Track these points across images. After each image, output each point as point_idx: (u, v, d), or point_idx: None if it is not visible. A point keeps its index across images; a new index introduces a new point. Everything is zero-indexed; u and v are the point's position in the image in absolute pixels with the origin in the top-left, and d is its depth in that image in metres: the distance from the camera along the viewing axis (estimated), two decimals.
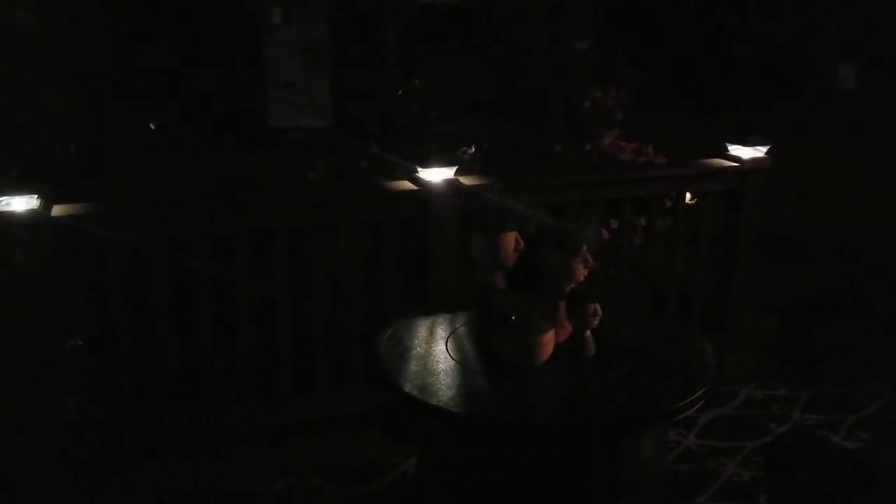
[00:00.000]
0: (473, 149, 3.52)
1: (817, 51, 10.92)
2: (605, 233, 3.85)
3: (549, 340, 2.35)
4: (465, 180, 3.11)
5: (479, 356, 2.45)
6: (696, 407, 2.28)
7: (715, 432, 3.33)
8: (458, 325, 2.61)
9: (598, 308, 2.41)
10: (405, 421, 3.05)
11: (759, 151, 3.64)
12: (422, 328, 2.62)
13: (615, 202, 3.57)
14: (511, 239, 2.46)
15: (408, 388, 2.25)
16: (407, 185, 3.11)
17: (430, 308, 2.77)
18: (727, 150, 3.66)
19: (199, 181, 4.43)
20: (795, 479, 2.02)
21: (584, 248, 2.46)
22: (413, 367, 2.37)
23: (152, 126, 5.30)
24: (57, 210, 2.70)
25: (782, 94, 10.12)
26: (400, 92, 5.05)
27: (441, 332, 2.58)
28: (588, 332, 2.42)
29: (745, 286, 3.82)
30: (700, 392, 2.30)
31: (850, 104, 10.10)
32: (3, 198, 2.57)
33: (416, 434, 2.66)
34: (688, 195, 3.81)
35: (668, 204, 3.86)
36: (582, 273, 2.46)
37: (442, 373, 2.34)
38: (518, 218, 2.51)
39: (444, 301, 2.93)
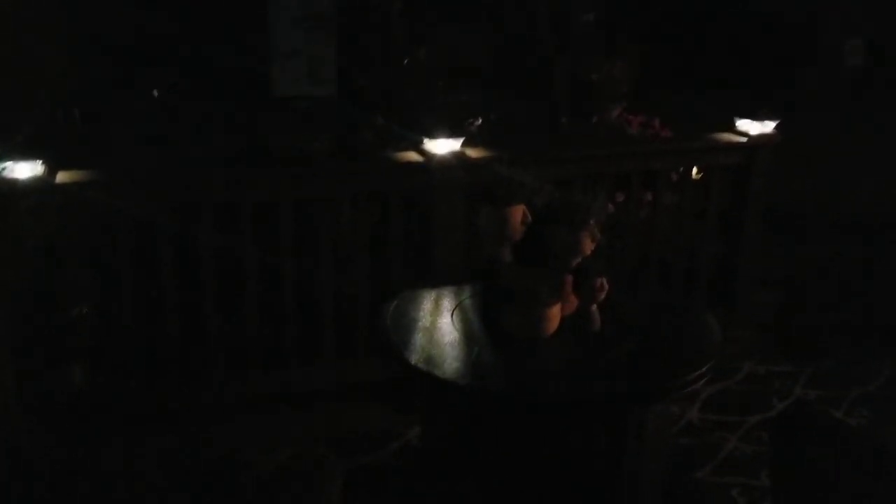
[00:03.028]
0: (480, 121, 3.50)
1: (825, 25, 10.79)
2: (610, 206, 3.83)
3: (555, 314, 2.35)
4: (471, 152, 3.09)
5: (485, 329, 2.45)
6: (701, 383, 2.29)
7: (717, 406, 3.34)
8: (463, 298, 2.61)
9: (605, 282, 2.40)
10: (410, 391, 3.06)
11: (767, 126, 3.62)
12: (427, 300, 2.61)
13: (622, 176, 3.55)
14: (518, 212, 2.45)
15: (413, 359, 2.25)
16: (413, 156, 3.09)
17: (436, 280, 2.77)
18: (734, 125, 3.63)
19: (204, 150, 4.40)
20: (800, 456, 2.02)
21: (592, 222, 2.44)
22: (418, 338, 2.37)
23: (155, 93, 5.24)
24: (62, 177, 2.68)
25: (789, 69, 10.01)
26: (405, 61, 4.99)
27: (447, 304, 2.58)
28: (594, 307, 2.42)
29: (751, 262, 3.82)
30: (704, 368, 2.30)
31: (858, 79, 9.99)
32: (8, 163, 2.56)
33: (420, 405, 2.67)
34: (694, 170, 3.79)
35: (675, 178, 3.83)
36: (589, 247, 2.45)
37: (447, 345, 2.34)
38: (526, 192, 2.50)
39: (451, 273, 2.92)
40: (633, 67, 6.38)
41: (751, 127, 3.60)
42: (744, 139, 3.59)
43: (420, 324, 2.46)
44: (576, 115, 4.66)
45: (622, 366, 2.32)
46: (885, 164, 6.30)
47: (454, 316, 2.50)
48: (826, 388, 3.49)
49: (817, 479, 2.02)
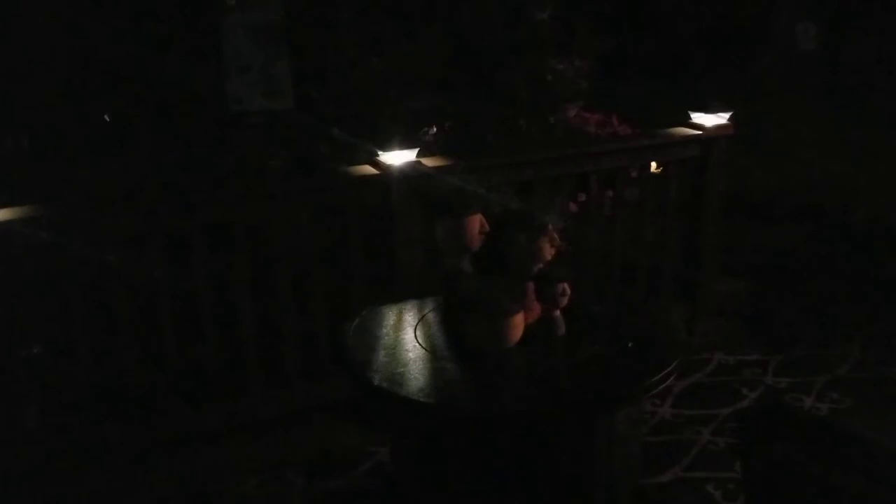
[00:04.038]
0: (435, 129, 3.46)
1: (776, 11, 10.93)
2: (573, 206, 3.83)
3: (517, 323, 2.32)
4: (427, 162, 3.05)
5: (449, 343, 2.41)
6: (667, 383, 2.27)
7: (689, 401, 3.34)
8: (426, 312, 2.57)
9: (567, 287, 2.38)
10: (378, 409, 3.02)
11: (721, 118, 3.63)
12: (390, 316, 2.57)
13: (582, 176, 3.54)
14: (475, 222, 2.42)
15: (376, 379, 2.21)
16: (368, 169, 3.04)
17: (398, 295, 2.72)
18: (690, 118, 3.64)
19: (158, 174, 4.31)
20: (770, 450, 2.02)
21: (550, 227, 2.42)
22: (381, 356, 2.33)
23: (107, 118, 5.14)
24: (4, 214, 2.59)
25: (744, 57, 10.12)
26: (358, 71, 4.95)
27: (409, 319, 2.54)
28: (558, 312, 2.40)
29: (713, 253, 3.83)
30: (670, 367, 2.29)
31: (809, 64, 10.13)
32: None
33: (389, 423, 2.62)
34: (654, 165, 3.79)
35: (634, 174, 3.83)
36: (549, 253, 2.42)
37: (411, 362, 2.30)
38: (481, 200, 2.47)
39: (413, 287, 2.88)
40: (591, 64, 6.40)
41: (705, 119, 3.61)
42: (699, 132, 3.60)
43: (382, 341, 2.42)
44: (533, 116, 4.65)
45: (589, 372, 2.29)
46: (841, 148, 6.40)
47: (417, 331, 2.46)
48: (795, 375, 3.51)
49: (788, 471, 2.01)
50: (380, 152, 3.08)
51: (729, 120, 3.64)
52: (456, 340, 2.39)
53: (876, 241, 4.77)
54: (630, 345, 2.43)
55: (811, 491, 1.97)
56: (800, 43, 11.17)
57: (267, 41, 7.39)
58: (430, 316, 2.55)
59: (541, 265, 2.41)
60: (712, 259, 3.83)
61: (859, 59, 9.34)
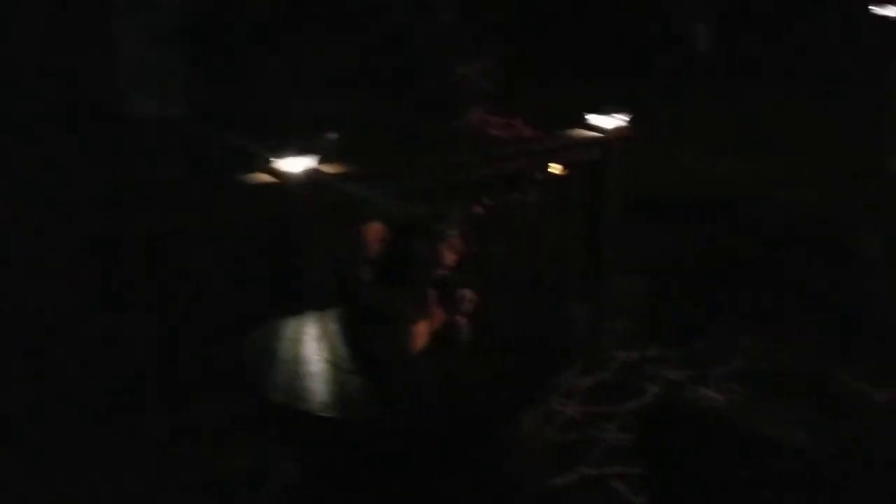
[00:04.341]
0: (335, 134, 3.41)
1: (674, 13, 11.32)
2: (480, 209, 3.84)
3: (420, 331, 2.31)
4: (327, 168, 3.00)
5: (351, 354, 2.37)
6: (567, 385, 2.30)
7: (595, 398, 3.40)
8: (328, 323, 2.52)
9: (470, 293, 2.38)
10: (280, 425, 2.95)
11: (620, 120, 3.71)
12: (291, 329, 2.51)
13: (485, 179, 3.56)
14: (374, 230, 2.39)
15: (275, 395, 2.15)
16: (265, 177, 2.96)
17: (300, 307, 2.66)
18: (589, 121, 3.71)
19: (47, 185, 4.10)
20: (668, 446, 2.07)
21: (451, 232, 2.42)
22: (282, 371, 2.27)
23: None
24: None
25: (645, 57, 10.43)
26: (260, 74, 4.84)
27: (311, 331, 2.49)
28: (461, 318, 2.39)
29: (616, 252, 3.92)
30: (570, 369, 2.32)
31: (708, 61, 10.53)
32: None
33: (292, 438, 2.56)
34: (558, 167, 3.85)
35: (539, 177, 3.88)
36: (451, 258, 2.42)
37: (312, 376, 2.25)
38: (380, 207, 2.44)
39: (315, 298, 2.82)
40: (498, 67, 6.47)
41: (604, 122, 3.69)
42: (599, 134, 3.67)
43: (283, 355, 2.36)
44: (437, 120, 4.65)
45: (493, 377, 2.30)
46: (737, 145, 6.67)
47: (319, 343, 2.41)
48: (694, 368, 3.62)
49: (685, 465, 2.07)
50: (277, 159, 3.01)
51: (628, 122, 3.73)
52: (358, 351, 2.35)
53: (771, 234, 4.98)
54: (532, 347, 2.45)
55: (708, 484, 2.04)
56: (698, 42, 11.61)
57: (163, 43, 7.16)
58: (333, 328, 2.50)
59: (443, 271, 2.40)
60: (614, 258, 3.92)
61: (753, 58, 9.77)
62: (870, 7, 4.56)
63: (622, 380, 3.56)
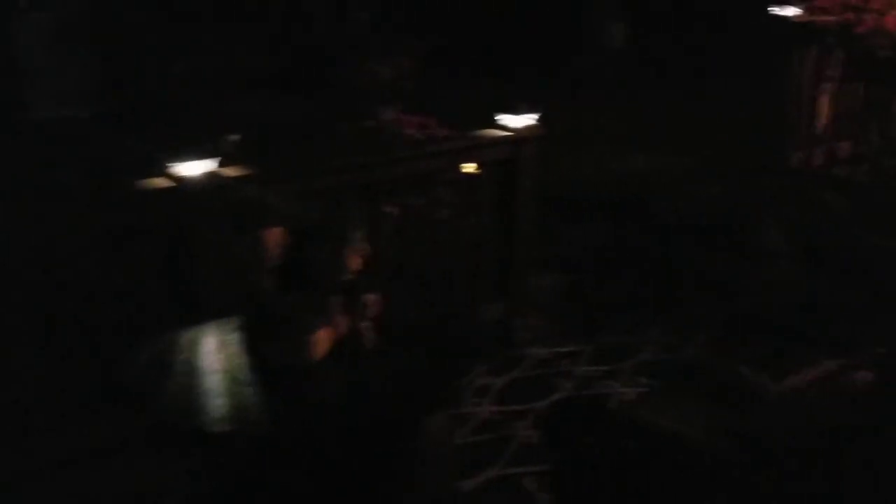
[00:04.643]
0: (237, 136, 3.31)
1: (587, 11, 11.51)
2: (394, 210, 3.79)
3: (323, 338, 2.26)
4: (229, 172, 2.91)
5: (251, 365, 2.30)
6: (473, 386, 2.30)
7: (508, 397, 3.40)
8: (228, 334, 2.44)
9: (374, 298, 2.35)
10: (176, 442, 2.84)
11: (530, 119, 3.73)
12: (188, 340, 2.41)
13: (396, 181, 3.52)
14: (274, 235, 2.32)
15: (170, 411, 2.07)
16: (162, 182, 2.85)
17: (198, 317, 2.57)
18: (499, 120, 3.72)
19: None
20: (572, 443, 2.08)
21: (355, 236, 2.38)
22: (177, 386, 2.19)
23: None
24: None
25: (561, 55, 10.57)
26: (167, 74, 4.68)
27: (210, 343, 2.39)
28: (366, 324, 2.36)
29: (529, 250, 3.93)
30: (479, 369, 2.32)
31: (619, 61, 10.74)
32: None
33: (190, 455, 2.47)
34: (472, 166, 3.85)
35: (451, 176, 3.87)
36: (356, 263, 2.38)
37: (208, 390, 2.17)
38: (280, 212, 2.38)
39: (214, 307, 2.73)
40: (416, 66, 6.42)
41: (514, 121, 3.70)
42: (509, 133, 3.68)
43: (179, 368, 2.27)
44: (351, 119, 4.58)
45: (396, 382, 2.28)
46: (649, 142, 6.81)
47: (218, 355, 2.33)
48: (607, 363, 3.67)
49: (588, 461, 2.09)
50: (176, 163, 2.90)
51: (538, 121, 3.75)
52: (258, 362, 2.28)
53: (680, 230, 5.08)
54: (438, 351, 2.44)
55: (611, 479, 2.05)
56: (609, 42, 11.83)
57: (66, 44, 6.85)
58: (232, 338, 2.42)
59: (347, 277, 2.36)
60: (527, 256, 3.94)
61: (664, 56, 10.01)
62: (769, 8, 4.73)
63: (536, 377, 3.59)
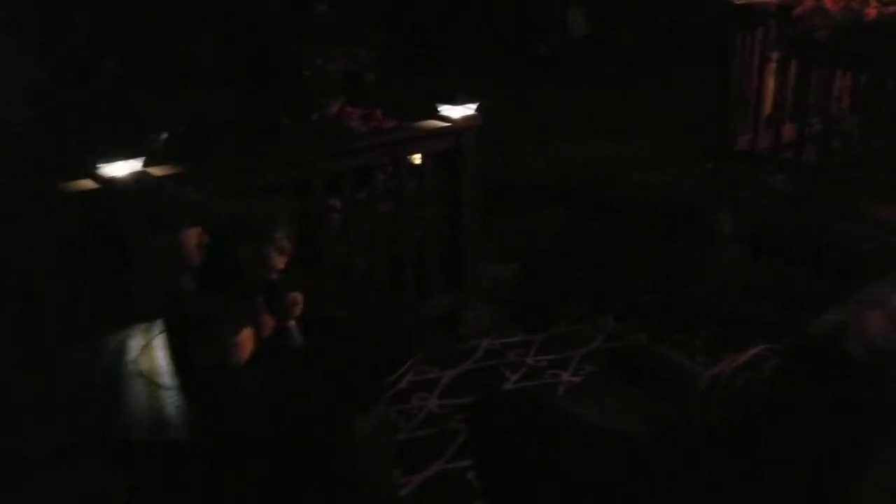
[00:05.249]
0: (165, 134, 3.23)
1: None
2: (336, 204, 3.74)
3: (246, 340, 2.21)
4: (155, 171, 2.84)
5: (175, 368, 2.25)
6: (424, 375, 2.25)
7: (456, 390, 3.38)
8: (152, 337, 2.38)
9: (299, 297, 2.29)
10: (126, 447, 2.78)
11: (469, 109, 3.69)
12: (111, 345, 2.35)
13: (336, 175, 3.47)
14: (192, 235, 2.27)
15: (88, 419, 2.02)
16: (88, 183, 2.78)
17: (125, 320, 2.51)
18: (439, 111, 3.68)
19: None
20: (494, 436, 2.05)
21: (280, 233, 2.32)
22: (98, 393, 2.14)
23: None
24: None
25: (524, 43, 10.55)
26: (104, 75, 4.57)
27: (134, 346, 2.34)
28: (292, 323, 2.31)
29: (477, 240, 3.90)
30: (423, 363, 2.28)
31: (580, 49, 10.74)
32: None
33: (118, 464, 2.41)
34: (416, 157, 3.80)
35: (396, 168, 3.82)
36: (279, 262, 2.33)
37: (130, 396, 2.12)
38: (199, 210, 2.32)
39: (139, 312, 2.67)
40: (375, 56, 6.33)
41: (454, 111, 3.66)
42: (448, 124, 3.64)
43: (100, 374, 2.22)
44: (296, 113, 4.52)
45: (326, 381, 2.23)
46: (606, 129, 6.82)
47: (141, 359, 2.27)
48: (555, 353, 3.66)
49: (511, 454, 2.06)
50: (104, 163, 2.83)
51: (476, 111, 3.71)
52: (183, 365, 2.23)
53: (632, 217, 5.09)
54: (372, 347, 2.40)
55: (534, 471, 2.03)
56: (572, 29, 11.83)
57: (11, 40, 6.68)
58: (157, 342, 2.36)
59: (272, 274, 2.31)
60: (475, 247, 3.91)
61: (625, 43, 10.02)
62: None
63: (484, 369, 3.57)
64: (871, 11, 3.77)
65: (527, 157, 6.14)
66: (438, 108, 3.66)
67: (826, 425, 1.46)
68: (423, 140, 3.66)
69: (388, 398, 3.10)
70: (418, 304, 3.65)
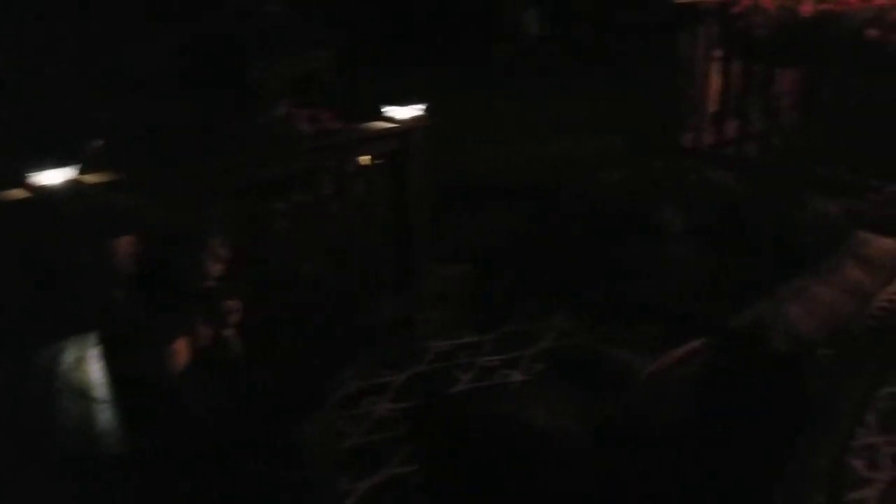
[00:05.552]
0: (101, 141, 3.16)
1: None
2: (282, 208, 3.70)
3: (182, 349, 2.18)
4: (89, 179, 2.77)
5: (110, 381, 2.20)
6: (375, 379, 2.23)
7: (406, 394, 3.36)
8: (88, 349, 2.32)
9: (236, 304, 2.26)
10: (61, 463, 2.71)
11: (417, 110, 3.68)
12: (43, 360, 2.29)
13: (280, 178, 3.42)
14: (126, 244, 2.22)
15: (28, 435, 1.96)
16: (18, 193, 2.70)
17: (59, 333, 2.44)
18: (383, 113, 3.66)
19: None
20: (435, 443, 2.04)
21: (215, 240, 2.29)
22: (28, 409, 2.07)
23: None
24: None
25: (479, 44, 10.57)
26: (36, 80, 4.44)
27: (68, 359, 2.28)
28: (230, 331, 2.28)
29: (426, 242, 3.89)
30: (346, 374, 2.26)
31: (537, 48, 10.80)
32: None
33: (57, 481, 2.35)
34: (366, 158, 3.77)
35: (343, 170, 3.79)
36: (215, 269, 2.30)
37: (62, 410, 2.06)
38: (137, 219, 2.27)
39: (73, 323, 2.60)
40: (323, 57, 6.27)
41: (400, 112, 3.64)
42: (395, 125, 3.63)
43: (30, 388, 2.15)
44: (243, 116, 4.44)
45: (261, 392, 2.20)
46: (560, 129, 6.85)
47: (76, 372, 2.22)
48: (507, 352, 3.67)
49: (452, 456, 2.05)
50: (36, 172, 2.75)
51: (424, 111, 3.70)
52: (117, 376, 2.18)
53: (583, 215, 5.12)
54: (310, 354, 2.37)
55: (475, 475, 2.02)
56: (528, 29, 11.89)
57: None
58: (93, 353, 2.31)
59: (207, 283, 2.28)
60: (426, 248, 3.89)
61: (582, 42, 10.09)
62: None
63: (435, 371, 3.55)
64: (807, 8, 3.84)
65: (481, 157, 6.14)
66: (383, 110, 3.65)
67: (751, 416, 1.47)
68: (370, 141, 3.64)
69: (338, 404, 3.07)
70: (368, 308, 3.63)
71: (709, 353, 1.62)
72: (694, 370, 1.78)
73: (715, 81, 4.56)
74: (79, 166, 2.79)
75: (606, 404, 2.07)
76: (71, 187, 2.71)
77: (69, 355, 2.29)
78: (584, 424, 2.01)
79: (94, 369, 2.22)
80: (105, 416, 2.09)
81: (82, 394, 2.12)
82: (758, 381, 1.45)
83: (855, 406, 1.95)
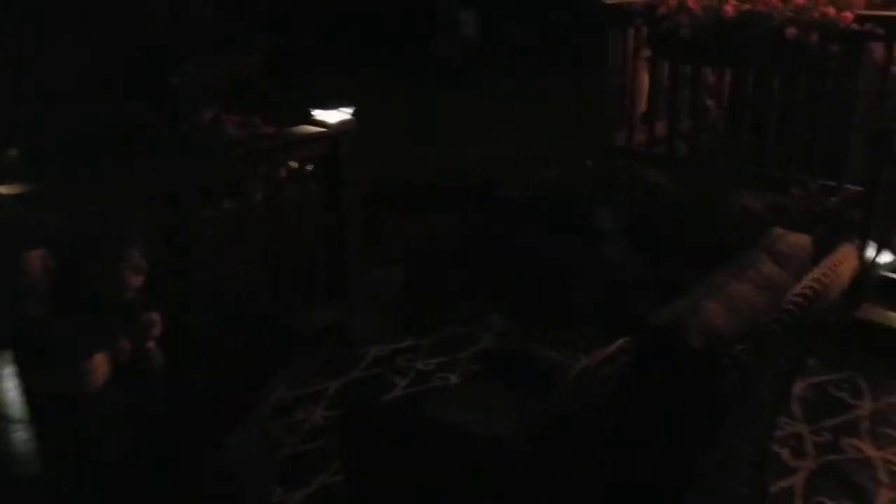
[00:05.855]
0: (16, 150, 3.04)
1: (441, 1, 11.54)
2: (209, 215, 3.61)
3: (101, 363, 2.10)
4: (2, 190, 2.66)
5: (25, 399, 2.11)
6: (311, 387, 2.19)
7: (342, 401, 3.31)
8: (1, 367, 2.23)
9: (157, 316, 2.20)
10: None
11: (345, 114, 3.65)
12: None
13: (207, 185, 3.35)
14: (36, 259, 2.13)
15: None
16: None
17: None
18: (312, 116, 3.61)
19: None
20: (362, 452, 2.02)
21: (132, 252, 2.22)
22: None
23: None
24: None
25: (414, 44, 10.55)
26: None
27: None
28: (151, 343, 2.21)
29: (359, 246, 3.85)
30: (279, 382, 2.22)
31: (473, 49, 10.83)
32: None
33: None
34: (295, 163, 3.72)
35: (283, 174, 3.72)
36: (135, 280, 2.22)
37: None
38: (50, 232, 2.19)
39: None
40: (251, 61, 6.16)
41: (329, 116, 3.61)
42: (324, 129, 3.59)
43: None
44: (167, 123, 4.33)
45: (188, 401, 2.14)
46: (495, 130, 6.89)
47: None
48: (444, 355, 3.65)
49: (379, 462, 2.03)
50: None
51: (352, 115, 3.67)
52: (33, 395, 2.10)
53: (519, 216, 5.14)
54: (236, 364, 2.32)
55: (403, 482, 2.00)
56: (464, 30, 11.92)
57: None
58: (4, 371, 2.21)
59: (126, 296, 2.20)
60: (359, 252, 3.86)
61: (517, 43, 10.15)
62: None
63: (372, 376, 3.52)
64: (730, 9, 3.93)
65: (417, 159, 6.13)
66: (312, 114, 3.60)
67: (667, 411, 1.49)
68: (299, 146, 3.59)
69: (272, 413, 3.01)
70: (302, 314, 3.57)
71: (631, 351, 1.64)
72: (617, 368, 1.79)
73: (645, 81, 4.64)
74: None
75: (536, 405, 2.08)
76: None
77: None
78: (516, 427, 2.01)
79: (8, 387, 2.14)
80: (20, 435, 2.01)
81: None
82: (673, 377, 1.47)
83: (774, 397, 2.00)
